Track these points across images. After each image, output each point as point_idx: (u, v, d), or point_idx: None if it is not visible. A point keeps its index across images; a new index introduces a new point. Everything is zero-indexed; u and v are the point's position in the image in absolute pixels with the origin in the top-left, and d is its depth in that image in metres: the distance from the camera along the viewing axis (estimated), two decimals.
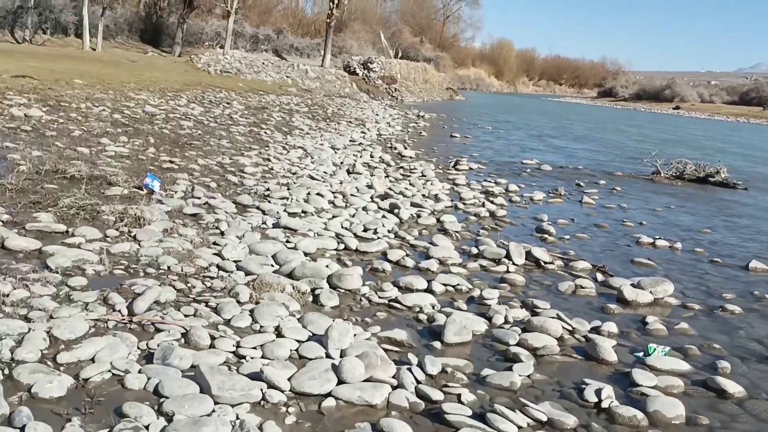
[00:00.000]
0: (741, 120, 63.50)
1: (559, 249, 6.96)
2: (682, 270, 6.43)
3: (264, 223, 6.76)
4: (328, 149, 13.06)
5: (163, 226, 5.95)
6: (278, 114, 18.07)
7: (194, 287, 4.76)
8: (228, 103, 18.23)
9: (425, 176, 11.22)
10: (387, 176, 10.70)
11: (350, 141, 15.25)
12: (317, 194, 8.45)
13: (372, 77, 42.86)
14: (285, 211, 7.38)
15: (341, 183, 9.36)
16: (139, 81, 19.27)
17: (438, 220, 7.81)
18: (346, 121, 19.78)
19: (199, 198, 7.25)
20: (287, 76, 32.18)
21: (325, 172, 10.40)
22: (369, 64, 44.28)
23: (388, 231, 6.98)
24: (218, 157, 9.98)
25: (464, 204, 9.05)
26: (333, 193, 8.69)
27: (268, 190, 8.29)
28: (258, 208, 7.33)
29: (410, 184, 10.21)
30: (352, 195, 8.76)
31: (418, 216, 7.95)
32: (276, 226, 6.68)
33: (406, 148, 14.90)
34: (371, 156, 12.92)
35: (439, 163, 13.10)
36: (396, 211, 7.97)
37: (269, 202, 7.67)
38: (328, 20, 45.47)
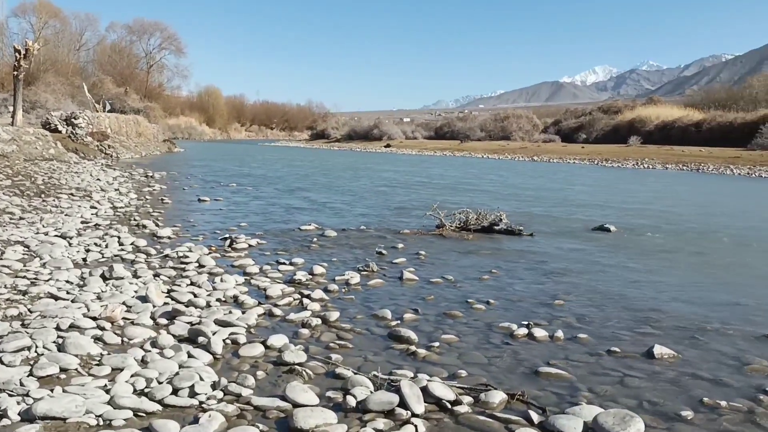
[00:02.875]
0: (447, 153, 69.33)
1: (439, 367, 5.29)
2: (598, 377, 5.16)
3: (4, 415, 4.02)
4: (59, 241, 9.95)
5: None
6: None
7: None
8: None
9: (204, 266, 8.85)
10: (157, 275, 8.15)
11: (82, 222, 12.10)
12: (73, 329, 5.76)
13: (79, 134, 37.95)
14: (32, 375, 4.66)
15: (101, 303, 6.66)
16: None
17: (265, 344, 5.66)
18: (66, 193, 16.20)
19: None
20: None
21: (68, 282, 7.53)
22: (73, 119, 39.20)
23: (211, 386, 4.67)
24: None
25: (278, 307, 6.97)
26: (95, 320, 6.04)
27: None
28: None
29: (193, 283, 7.81)
30: (125, 320, 6.19)
31: (235, 343, 5.71)
32: (27, 418, 4.00)
33: (158, 225, 12.22)
34: (120, 243, 10.11)
35: (210, 243, 10.76)
36: (202, 340, 5.64)
37: (1, 362, 4.85)
38: (16, 73, 39.37)
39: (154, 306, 6.66)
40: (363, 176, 29.96)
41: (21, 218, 11.94)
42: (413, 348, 5.71)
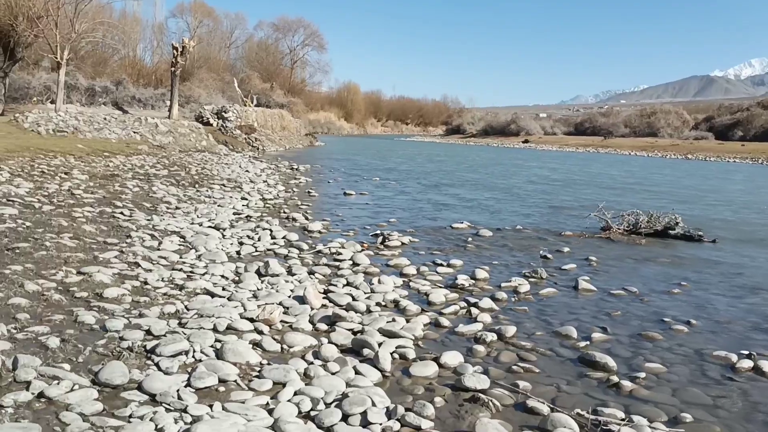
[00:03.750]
0: (590, 150, 66.14)
1: (651, 406, 4.33)
2: None
3: None
4: (213, 232, 9.81)
5: None
6: (134, 182, 14.45)
7: None
8: (67, 173, 14.36)
9: (359, 264, 8.32)
10: (312, 273, 7.69)
11: (234, 214, 12.04)
12: (230, 330, 5.34)
13: (229, 127, 39.39)
14: (189, 385, 4.21)
15: (258, 302, 6.24)
16: None
17: (438, 362, 4.94)
18: (218, 184, 16.44)
19: (26, 403, 3.89)
20: (135, 132, 28.06)
21: (224, 277, 7.22)
22: (223, 113, 40.80)
23: (386, 413, 4.00)
24: (59, 271, 6.52)
25: (444, 315, 6.25)
26: (253, 322, 5.59)
27: (148, 334, 5.05)
28: (140, 387, 4.10)
29: (350, 284, 7.26)
30: (283, 323, 5.71)
31: (404, 359, 5.04)
32: None
33: (307, 219, 11.93)
34: (272, 237, 9.83)
35: (361, 239, 10.27)
36: (367, 352, 5.02)
37: (156, 366, 4.45)
38: (173, 69, 41.65)
39: (312, 308, 6.14)
40: (510, 173, 28.78)
41: (177, 208, 12.05)
42: (614, 378, 4.78)
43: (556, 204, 16.45)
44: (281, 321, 5.71)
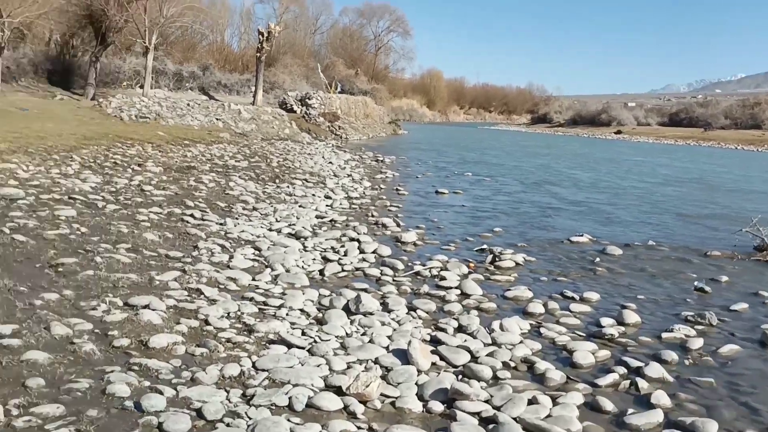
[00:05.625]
0: (690, 143, 61.93)
1: None
2: None
3: None
4: (293, 243, 8.39)
5: None
6: (210, 176, 13.27)
7: None
8: (140, 165, 13.33)
9: (469, 295, 6.69)
10: (413, 309, 6.09)
11: (317, 217, 10.62)
12: (311, 409, 3.84)
13: (312, 114, 38.41)
14: None
15: (348, 359, 4.71)
16: (20, 137, 14.20)
17: None
18: (300, 179, 15.11)
19: None
20: (217, 119, 27.29)
21: (304, 313, 5.74)
22: (307, 100, 39.84)
23: None
24: (101, 303, 5.18)
25: (600, 391, 4.54)
26: (341, 395, 4.07)
27: (199, 418, 3.60)
28: None
29: (462, 328, 5.63)
30: (383, 397, 4.17)
31: None
32: None
33: (399, 226, 10.37)
34: (361, 251, 8.30)
35: (464, 254, 8.64)
36: None
37: None
38: (258, 54, 41.02)
39: (418, 371, 4.57)
40: (614, 168, 26.37)
41: (254, 208, 10.74)
42: None
43: (685, 211, 14.24)
44: (381, 395, 4.16)
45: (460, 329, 5.60)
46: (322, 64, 68.76)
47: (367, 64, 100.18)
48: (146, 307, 5.18)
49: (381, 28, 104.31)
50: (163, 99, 30.02)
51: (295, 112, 37.35)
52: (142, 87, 36.47)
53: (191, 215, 9.29)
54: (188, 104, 28.51)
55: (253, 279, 6.65)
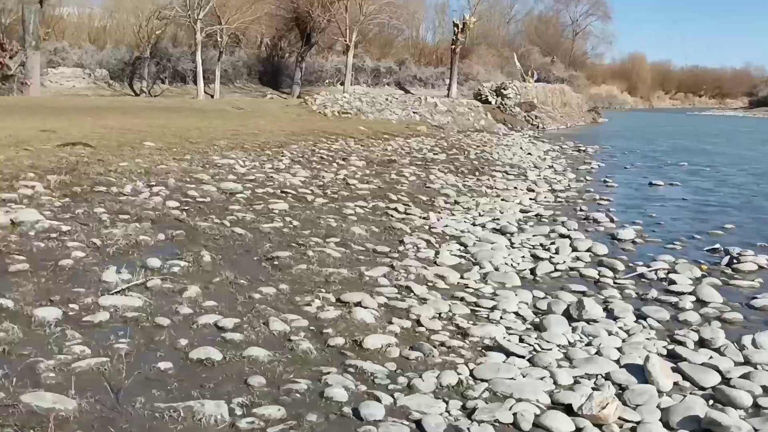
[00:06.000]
0: None
1: None
2: None
3: None
4: (499, 239, 8.00)
5: None
6: (410, 169, 13.26)
7: None
8: (344, 159, 13.67)
9: (707, 303, 5.84)
10: (642, 318, 5.42)
11: (522, 211, 10.12)
12: (538, 429, 3.43)
13: (508, 105, 37.58)
14: None
15: (576, 372, 4.23)
16: (237, 134, 15.26)
17: None
18: (500, 171, 14.65)
19: None
20: (414, 112, 27.61)
21: (519, 317, 5.32)
22: (503, 90, 39.03)
23: None
24: (315, 299, 5.17)
25: None
26: (572, 415, 3.61)
27: (418, 429, 3.35)
28: None
29: (704, 342, 4.86)
30: (621, 421, 3.64)
31: None
32: None
33: (612, 221, 9.56)
34: (573, 249, 7.67)
35: (693, 254, 7.69)
36: None
37: None
38: (453, 47, 41.02)
39: (660, 392, 3.98)
40: None
41: (456, 202, 10.50)
42: None
43: None
44: (619, 419, 3.64)
45: (702, 343, 4.86)
46: (517, 53, 67.33)
47: (564, 51, 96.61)
48: (358, 304, 5.08)
49: (579, 12, 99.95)
50: (362, 95, 31.02)
51: (489, 103, 36.83)
52: (342, 84, 38.04)
53: (395, 209, 9.24)
54: (386, 99, 29.15)
55: (462, 277, 6.36)
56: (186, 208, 7.77)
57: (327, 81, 44.32)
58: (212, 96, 36.48)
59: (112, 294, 4.82)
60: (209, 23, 35.44)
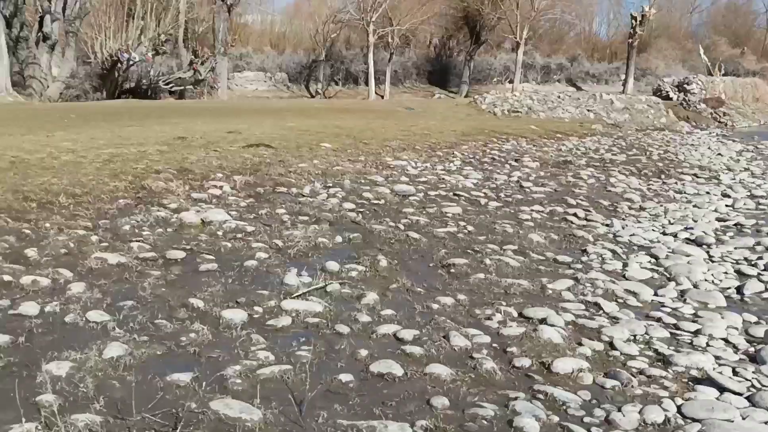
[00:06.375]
0: None
1: None
2: None
3: None
4: (695, 251, 7.23)
5: None
6: (588, 171, 12.52)
7: None
8: (517, 160, 13.21)
9: None
10: None
11: (718, 220, 9.14)
12: None
13: (691, 101, 34.85)
14: None
15: None
16: (407, 135, 15.30)
17: None
18: (689, 174, 13.44)
19: None
20: (588, 110, 26.34)
21: (730, 345, 4.67)
22: (686, 85, 36.38)
23: None
24: (495, 312, 4.88)
25: None
26: None
27: None
28: None
29: None
30: None
31: None
32: None
33: None
34: None
35: None
36: None
37: None
38: (630, 40, 38.85)
39: None
40: None
41: (641, 208, 9.71)
42: None
43: None
44: None
45: None
46: (702, 45, 62.44)
47: (756, 41, 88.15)
48: (543, 321, 4.72)
49: None
50: (533, 92, 30.15)
51: (670, 99, 34.41)
52: (511, 82, 37.28)
53: (574, 214, 8.70)
54: (558, 96, 28.07)
55: (656, 294, 5.76)
56: (361, 210, 7.79)
57: (495, 79, 43.67)
58: (382, 96, 37.27)
59: (294, 298, 4.84)
60: (381, 25, 36.23)
